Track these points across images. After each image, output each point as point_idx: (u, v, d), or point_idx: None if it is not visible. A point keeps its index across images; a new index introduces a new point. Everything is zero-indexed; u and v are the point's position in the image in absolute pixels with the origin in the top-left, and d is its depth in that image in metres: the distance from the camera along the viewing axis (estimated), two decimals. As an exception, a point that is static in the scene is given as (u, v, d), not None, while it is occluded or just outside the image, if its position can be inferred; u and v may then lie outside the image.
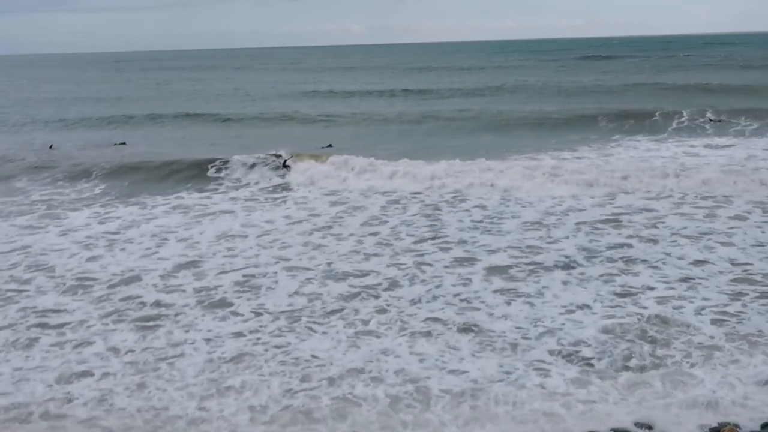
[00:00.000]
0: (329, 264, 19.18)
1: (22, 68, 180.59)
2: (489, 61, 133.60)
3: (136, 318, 15.93)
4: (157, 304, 16.72)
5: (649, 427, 11.29)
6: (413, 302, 16.40)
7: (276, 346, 14.29)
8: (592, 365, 13.20)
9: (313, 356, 13.81)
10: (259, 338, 14.68)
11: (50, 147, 40.15)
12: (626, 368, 13.06)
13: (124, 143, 41.18)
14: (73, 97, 72.70)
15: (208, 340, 14.63)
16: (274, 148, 32.20)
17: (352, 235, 21.79)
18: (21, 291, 17.82)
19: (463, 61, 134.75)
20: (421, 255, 19.69)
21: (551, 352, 13.71)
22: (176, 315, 16.03)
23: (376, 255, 19.85)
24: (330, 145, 38.39)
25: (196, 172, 30.98)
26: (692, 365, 13.07)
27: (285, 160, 30.87)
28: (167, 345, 14.42)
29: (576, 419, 11.53)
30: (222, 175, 30.46)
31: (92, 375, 13.25)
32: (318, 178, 28.99)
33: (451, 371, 13.10)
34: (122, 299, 17.09)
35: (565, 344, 14.05)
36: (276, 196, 27.60)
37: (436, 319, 15.39)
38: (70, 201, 27.93)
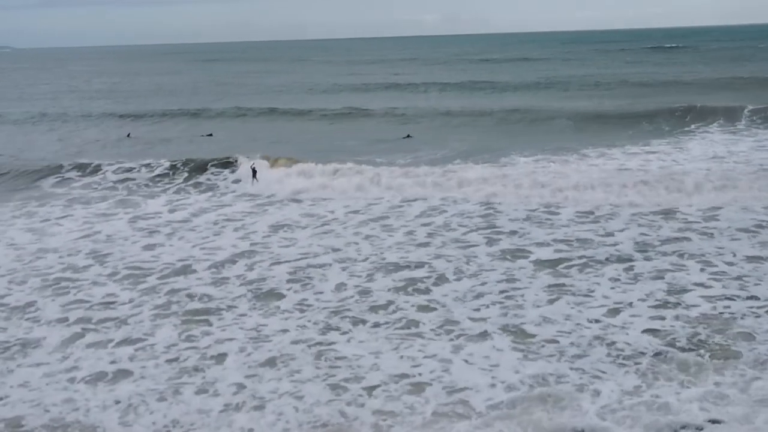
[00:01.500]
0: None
1: (94, 60, 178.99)
2: (558, 52, 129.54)
3: (184, 312, 15.27)
4: (206, 297, 16.07)
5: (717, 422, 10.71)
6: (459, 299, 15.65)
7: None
8: (653, 365, 12.33)
9: (353, 358, 13.01)
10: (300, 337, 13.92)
11: (127, 135, 39.98)
12: (686, 366, 12.25)
13: (210, 135, 40.72)
14: (151, 89, 72.57)
15: (251, 339, 13.85)
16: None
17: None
18: (75, 281, 17.36)
19: (533, 52, 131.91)
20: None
21: (603, 357, 12.75)
22: (222, 310, 15.35)
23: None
24: (409, 135, 37.70)
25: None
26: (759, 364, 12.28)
27: (254, 170, 27.61)
28: (211, 343, 13.65)
29: (640, 420, 10.77)
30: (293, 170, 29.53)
31: (129, 376, 12.49)
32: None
33: (501, 379, 12.13)
34: (170, 291, 16.50)
35: (619, 347, 13.12)
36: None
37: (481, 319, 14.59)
38: (148, 188, 27.59)
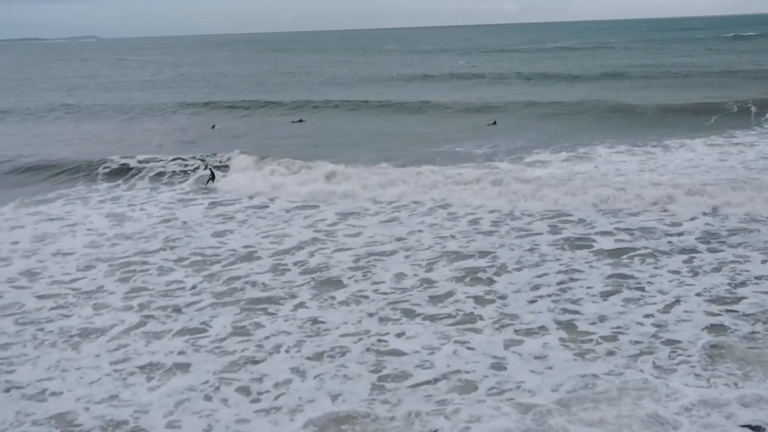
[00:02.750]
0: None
1: (176, 49, 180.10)
2: (637, 40, 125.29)
3: (243, 300, 14.96)
4: (265, 285, 15.75)
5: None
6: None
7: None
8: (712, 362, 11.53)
9: (403, 352, 12.42)
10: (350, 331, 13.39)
11: (213, 127, 39.86)
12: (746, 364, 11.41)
13: (301, 120, 40.85)
14: (231, 79, 72.70)
15: (303, 331, 13.39)
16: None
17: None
18: (144, 266, 17.23)
19: (611, 39, 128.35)
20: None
21: (663, 354, 11.91)
22: (281, 299, 14.99)
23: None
24: (495, 122, 37.24)
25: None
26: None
27: (212, 171, 26.47)
28: (264, 335, 13.23)
29: (700, 421, 10.02)
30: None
31: (181, 369, 12.09)
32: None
33: (555, 378, 11.43)
34: (231, 279, 16.24)
35: (679, 344, 12.31)
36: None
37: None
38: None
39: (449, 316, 13.90)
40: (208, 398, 11.16)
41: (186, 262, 17.51)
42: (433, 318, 13.82)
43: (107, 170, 27.72)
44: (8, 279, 16.63)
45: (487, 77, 63.02)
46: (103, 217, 21.97)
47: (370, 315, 14.08)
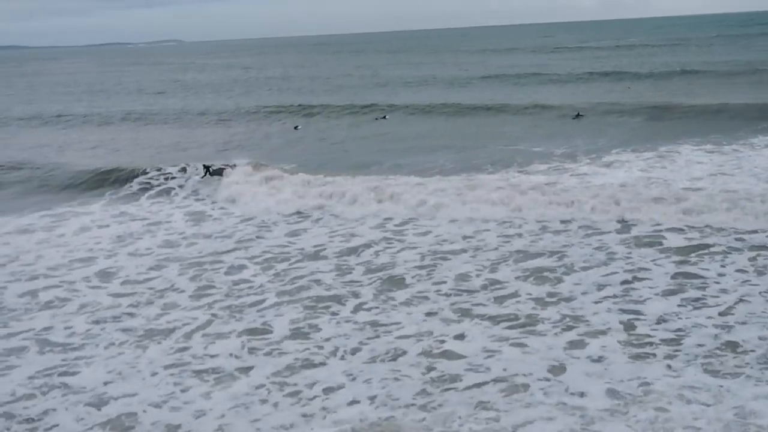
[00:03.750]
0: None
1: (253, 53, 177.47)
2: (719, 36, 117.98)
3: (306, 299, 14.88)
4: (329, 285, 15.62)
5: None
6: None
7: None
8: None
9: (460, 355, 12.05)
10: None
11: (296, 128, 39.80)
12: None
13: (385, 117, 40.81)
14: (309, 81, 71.25)
15: (362, 332, 13.15)
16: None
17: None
18: (215, 265, 17.34)
19: (691, 35, 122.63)
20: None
21: (729, 359, 11.27)
22: (344, 298, 14.86)
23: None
24: (579, 114, 36.47)
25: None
26: None
27: (208, 168, 26.10)
28: (325, 336, 13.08)
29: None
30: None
31: (241, 372, 11.99)
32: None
33: (615, 383, 10.89)
34: (296, 278, 16.13)
35: (745, 347, 11.65)
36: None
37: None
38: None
39: (511, 317, 13.49)
40: (262, 402, 10.97)
41: (258, 260, 17.57)
42: (494, 319, 13.43)
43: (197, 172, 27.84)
44: (84, 278, 16.93)
45: (565, 76, 60.72)
46: (184, 216, 22.21)
47: (431, 315, 13.81)
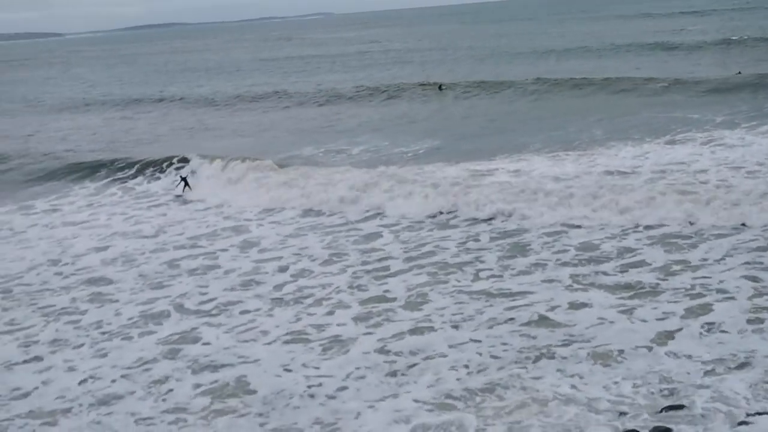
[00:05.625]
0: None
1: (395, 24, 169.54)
2: None
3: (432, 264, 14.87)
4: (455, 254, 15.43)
5: None
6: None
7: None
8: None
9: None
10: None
11: (440, 88, 38.78)
12: None
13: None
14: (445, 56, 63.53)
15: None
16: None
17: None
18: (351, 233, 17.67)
19: None
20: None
21: None
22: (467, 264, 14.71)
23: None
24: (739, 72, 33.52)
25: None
26: None
27: (184, 178, 23.29)
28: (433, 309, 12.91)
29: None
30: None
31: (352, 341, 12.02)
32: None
33: None
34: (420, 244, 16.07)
35: None
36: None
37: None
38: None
39: (631, 286, 13.01)
40: (368, 368, 11.01)
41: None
42: (612, 288, 12.97)
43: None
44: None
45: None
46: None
47: (548, 282, 13.54)
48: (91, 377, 11.43)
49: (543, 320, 12.03)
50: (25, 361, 12.19)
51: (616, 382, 9.90)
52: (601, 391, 9.73)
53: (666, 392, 9.55)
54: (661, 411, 9.04)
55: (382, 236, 17.23)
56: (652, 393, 9.58)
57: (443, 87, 39.49)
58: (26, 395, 11.05)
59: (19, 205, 23.32)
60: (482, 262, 14.91)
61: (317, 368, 11.18)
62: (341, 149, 27.58)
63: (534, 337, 11.49)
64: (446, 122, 32.05)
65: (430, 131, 29.45)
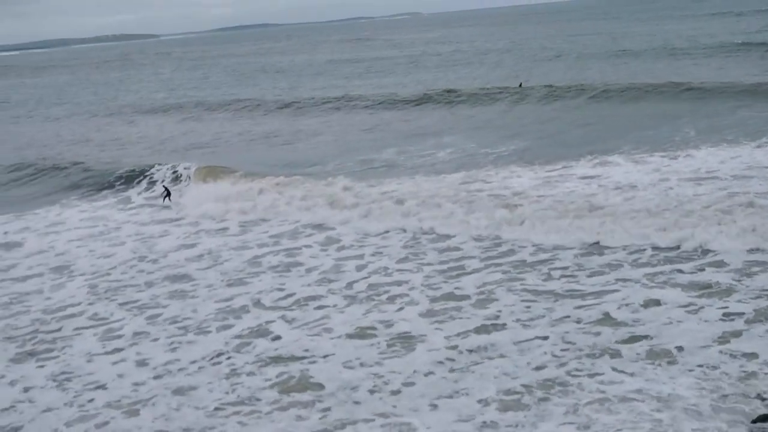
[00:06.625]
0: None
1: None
2: None
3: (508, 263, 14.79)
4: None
5: None
6: None
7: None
8: None
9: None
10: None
11: (519, 85, 38.72)
12: None
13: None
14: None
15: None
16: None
17: None
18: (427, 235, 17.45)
19: None
20: None
21: None
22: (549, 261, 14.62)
23: None
24: None
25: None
26: None
27: (166, 190, 22.92)
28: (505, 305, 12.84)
29: None
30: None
31: (420, 338, 12.04)
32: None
33: None
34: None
35: None
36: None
37: None
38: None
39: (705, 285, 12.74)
40: (437, 363, 11.03)
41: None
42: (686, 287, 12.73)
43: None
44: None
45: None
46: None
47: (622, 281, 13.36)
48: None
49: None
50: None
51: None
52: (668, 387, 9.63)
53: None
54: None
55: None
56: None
57: (522, 84, 39.17)
58: (103, 387, 11.37)
59: (118, 198, 24.37)
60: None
61: (383, 365, 11.20)
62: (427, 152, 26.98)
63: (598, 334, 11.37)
64: (528, 125, 30.64)
65: (513, 133, 28.75)
